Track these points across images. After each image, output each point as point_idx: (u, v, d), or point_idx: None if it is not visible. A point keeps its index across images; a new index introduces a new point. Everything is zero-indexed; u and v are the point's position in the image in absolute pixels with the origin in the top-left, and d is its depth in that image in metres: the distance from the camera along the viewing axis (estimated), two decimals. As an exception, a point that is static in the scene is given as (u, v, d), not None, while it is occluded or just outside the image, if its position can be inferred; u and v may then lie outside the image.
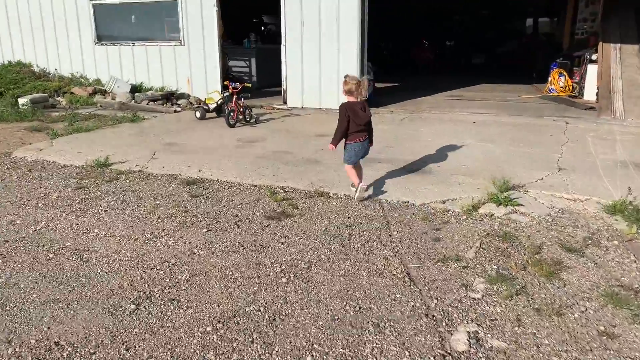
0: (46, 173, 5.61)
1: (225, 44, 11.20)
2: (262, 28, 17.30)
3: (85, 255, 3.56)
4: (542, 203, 4.46)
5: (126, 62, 11.17)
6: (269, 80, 12.47)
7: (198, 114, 8.70)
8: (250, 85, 8.62)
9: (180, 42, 10.52)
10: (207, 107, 8.69)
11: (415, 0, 18.94)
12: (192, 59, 10.50)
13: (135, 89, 10.81)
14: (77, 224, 4.16)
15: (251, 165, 5.73)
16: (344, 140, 4.57)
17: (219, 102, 8.59)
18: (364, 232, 3.88)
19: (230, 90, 8.36)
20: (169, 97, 10.32)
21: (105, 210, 4.44)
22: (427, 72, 17.80)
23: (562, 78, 10.64)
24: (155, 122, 8.61)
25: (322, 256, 3.50)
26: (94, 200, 4.72)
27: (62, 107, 10.07)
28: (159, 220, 4.20)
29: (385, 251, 3.57)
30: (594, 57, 10.05)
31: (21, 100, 9.85)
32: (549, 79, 10.87)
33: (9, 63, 11.99)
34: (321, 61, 9.39)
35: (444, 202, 4.49)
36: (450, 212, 4.29)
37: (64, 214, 4.37)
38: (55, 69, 11.79)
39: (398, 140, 6.90)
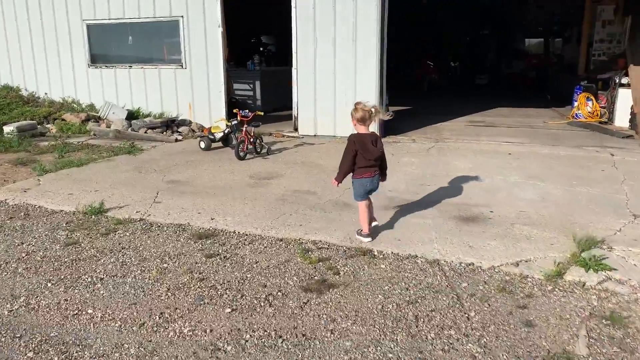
0: (30, 222, 4.75)
1: (228, 67, 10.44)
2: (261, 49, 16.66)
3: (75, 354, 2.71)
4: (635, 265, 3.67)
5: (122, 86, 10.35)
6: (275, 104, 11.73)
7: (203, 144, 7.88)
8: (262, 113, 7.82)
9: (182, 65, 9.73)
10: (212, 137, 7.87)
11: (416, 18, 18.55)
12: (195, 83, 9.71)
13: (131, 115, 9.97)
14: (66, 299, 3.30)
15: (272, 211, 4.91)
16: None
17: (226, 132, 7.79)
18: (433, 314, 3.06)
19: (239, 119, 7.59)
20: (169, 124, 9.49)
21: (101, 278, 3.59)
22: (433, 93, 17.18)
23: (590, 103, 9.97)
24: (155, 154, 7.78)
25: (390, 355, 2.66)
26: (87, 262, 3.87)
27: (52, 136, 9.21)
28: (169, 294, 3.35)
29: (470, 345, 2.74)
30: (624, 80, 9.42)
31: (7, 128, 8.98)
32: (576, 103, 10.19)
33: (-5, 87, 11.15)
34: (336, 86, 8.63)
35: (517, 264, 3.69)
36: (529, 279, 3.48)
37: (49, 284, 3.51)
38: (46, 93, 10.95)
39: (432, 176, 6.12)
